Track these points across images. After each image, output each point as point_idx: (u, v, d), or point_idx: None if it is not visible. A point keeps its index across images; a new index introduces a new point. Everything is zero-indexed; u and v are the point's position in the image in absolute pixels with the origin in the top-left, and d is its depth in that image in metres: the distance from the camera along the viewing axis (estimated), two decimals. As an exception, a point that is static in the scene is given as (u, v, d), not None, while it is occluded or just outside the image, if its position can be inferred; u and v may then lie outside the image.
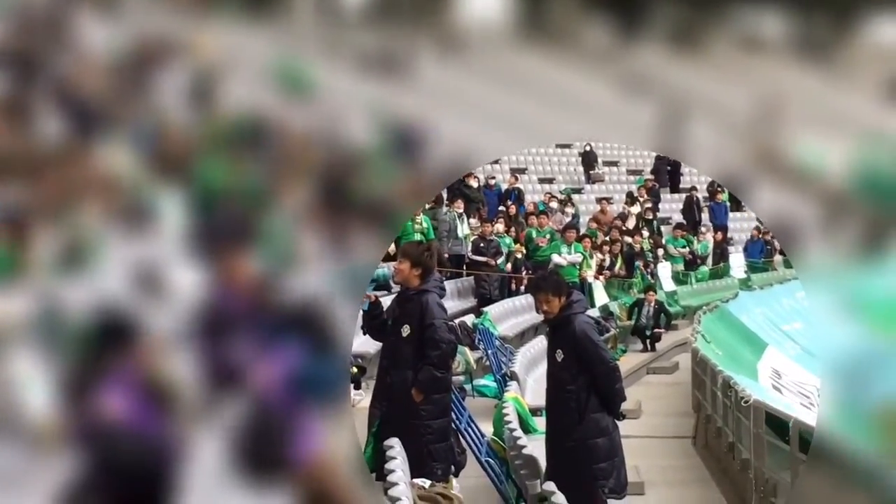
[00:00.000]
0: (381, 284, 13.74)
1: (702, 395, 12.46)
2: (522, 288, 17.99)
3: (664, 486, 10.02)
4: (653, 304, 19.10)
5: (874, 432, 9.03)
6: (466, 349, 12.47)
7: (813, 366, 17.23)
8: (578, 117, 21.35)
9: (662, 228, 26.52)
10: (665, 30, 17.87)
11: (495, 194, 23.05)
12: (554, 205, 23.47)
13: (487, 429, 8.74)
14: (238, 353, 5.63)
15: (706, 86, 18.89)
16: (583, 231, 21.60)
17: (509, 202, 22.41)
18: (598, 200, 25.87)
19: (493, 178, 24.15)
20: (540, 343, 12.57)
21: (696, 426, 12.57)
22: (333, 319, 5.98)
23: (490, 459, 7.88)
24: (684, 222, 26.38)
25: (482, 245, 18.03)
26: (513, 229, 19.98)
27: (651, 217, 25.52)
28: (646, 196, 26.96)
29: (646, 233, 24.09)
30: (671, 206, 28.83)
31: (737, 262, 26.23)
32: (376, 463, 6.98)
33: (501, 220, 19.95)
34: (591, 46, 18.03)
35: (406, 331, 7.41)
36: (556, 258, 18.46)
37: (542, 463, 7.16)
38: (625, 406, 7.70)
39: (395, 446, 6.67)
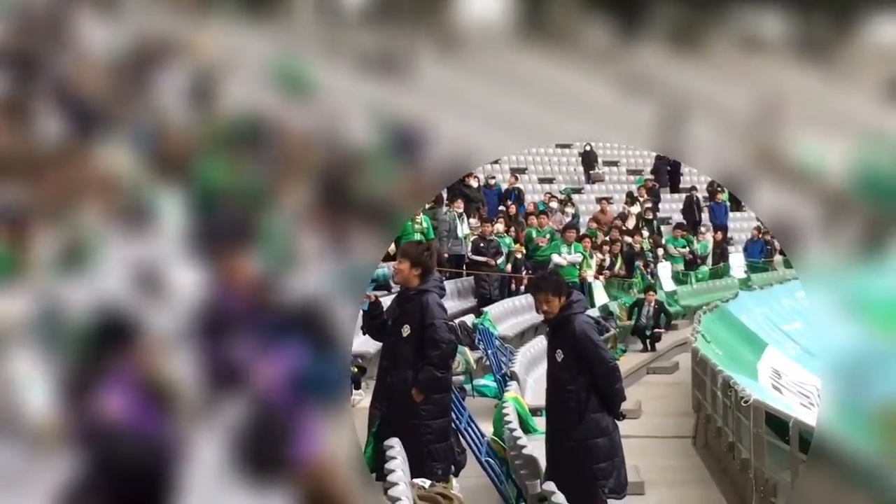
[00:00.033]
0: (381, 284, 13.74)
1: (702, 395, 12.46)
2: (522, 288, 17.99)
3: (664, 486, 10.02)
4: (653, 303, 19.10)
5: (874, 432, 9.03)
6: (466, 349, 12.47)
7: (813, 366, 17.23)
8: (578, 117, 21.35)
9: (662, 228, 26.52)
10: (665, 30, 17.87)
11: (495, 194, 23.05)
12: (554, 205, 23.47)
13: (487, 429, 8.74)
14: (238, 353, 5.63)
15: (706, 86, 18.89)
16: (583, 231, 21.59)
17: (509, 202, 22.41)
18: (598, 200, 25.87)
19: (493, 177, 24.16)
20: (540, 343, 12.57)
21: (696, 426, 12.57)
22: (335, 319, 5.98)
23: (490, 459, 7.88)
24: (684, 222, 26.38)
25: (482, 245, 18.03)
26: (513, 229, 19.98)
27: (651, 217, 25.52)
28: (646, 196, 26.96)
29: (646, 233, 24.09)
30: (671, 206, 28.83)
31: (737, 261, 26.24)
32: (376, 463, 6.98)
33: (501, 219, 19.96)
34: (591, 46, 18.03)
35: (406, 331, 7.41)
36: (555, 258, 18.46)
37: (542, 463, 7.16)
38: (625, 406, 7.70)
39: (395, 446, 6.67)
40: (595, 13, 18.01)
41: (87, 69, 7.02)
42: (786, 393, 15.47)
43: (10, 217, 5.81)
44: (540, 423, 8.90)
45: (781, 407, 10.01)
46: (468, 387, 12.01)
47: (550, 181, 28.97)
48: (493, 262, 17.93)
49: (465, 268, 18.33)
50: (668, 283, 22.86)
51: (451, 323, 7.96)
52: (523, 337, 15.84)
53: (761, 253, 27.01)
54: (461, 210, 18.68)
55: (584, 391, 7.26)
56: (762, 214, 25.23)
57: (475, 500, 7.64)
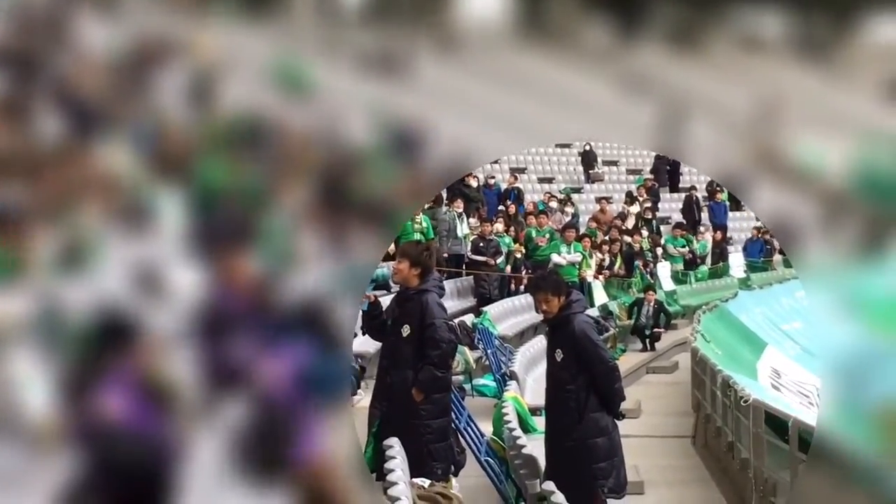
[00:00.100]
0: (381, 284, 13.73)
1: (701, 395, 12.46)
2: (522, 287, 17.99)
3: (664, 486, 10.02)
4: (652, 303, 19.10)
5: (874, 432, 9.02)
6: (466, 349, 12.46)
7: (812, 365, 17.23)
8: (578, 117, 21.37)
9: (662, 228, 26.52)
10: (665, 30, 17.88)
11: (495, 194, 23.05)
12: (553, 204, 23.47)
13: (487, 428, 8.74)
14: (238, 353, 5.63)
15: (706, 86, 18.90)
16: (582, 230, 21.59)
17: (509, 202, 22.41)
18: (598, 200, 25.85)
19: (493, 177, 24.16)
20: (539, 343, 12.58)
21: (695, 426, 12.57)
22: (336, 317, 5.99)
23: (489, 459, 7.88)
24: (684, 222, 26.36)
25: (482, 245, 18.03)
26: (512, 229, 19.97)
27: (650, 216, 25.52)
28: (645, 195, 26.95)
29: (645, 232, 24.08)
30: (671, 206, 28.82)
31: (736, 261, 26.23)
32: (376, 463, 6.98)
33: (501, 219, 19.95)
34: (591, 46, 18.04)
35: (406, 331, 7.42)
36: (555, 258, 18.46)
37: (542, 462, 7.17)
38: (624, 405, 7.70)
39: (395, 446, 6.67)
40: (595, 13, 18.03)
41: (86, 69, 7.02)
42: (785, 392, 15.47)
43: (10, 217, 5.81)
44: (539, 422, 8.90)
45: (781, 406, 10.00)
46: (468, 386, 12.01)
47: (550, 181, 28.97)
48: (492, 262, 17.93)
49: (464, 267, 18.33)
50: (667, 283, 22.85)
51: (450, 322, 7.96)
52: (523, 336, 15.85)
53: (761, 252, 27.01)
54: (461, 210, 18.68)
55: (584, 391, 7.27)
56: (762, 214, 25.23)
57: (475, 499, 7.64)
